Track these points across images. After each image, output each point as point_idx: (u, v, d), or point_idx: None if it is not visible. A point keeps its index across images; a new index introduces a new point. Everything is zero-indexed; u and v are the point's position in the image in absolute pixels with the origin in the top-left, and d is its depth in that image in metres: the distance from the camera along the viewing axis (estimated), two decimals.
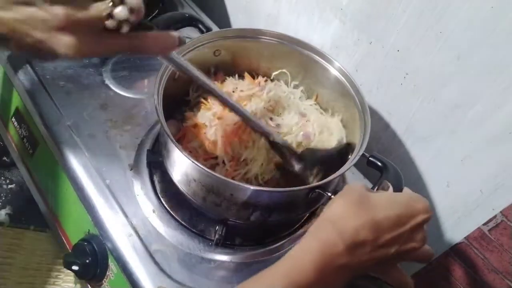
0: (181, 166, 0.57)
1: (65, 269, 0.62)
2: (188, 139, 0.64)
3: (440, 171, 0.73)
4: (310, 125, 0.67)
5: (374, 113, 0.79)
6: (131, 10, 0.35)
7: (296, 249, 0.39)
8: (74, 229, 0.70)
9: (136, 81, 0.81)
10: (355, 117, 0.64)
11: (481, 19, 0.57)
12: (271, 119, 0.67)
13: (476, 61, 0.60)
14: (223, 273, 0.60)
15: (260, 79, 0.72)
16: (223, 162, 0.61)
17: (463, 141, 0.67)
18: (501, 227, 0.66)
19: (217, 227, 0.61)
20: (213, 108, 0.65)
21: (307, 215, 0.68)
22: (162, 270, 0.57)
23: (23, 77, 0.76)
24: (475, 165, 0.66)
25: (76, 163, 0.66)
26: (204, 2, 1.08)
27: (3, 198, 0.99)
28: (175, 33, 0.41)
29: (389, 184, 0.53)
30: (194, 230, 0.63)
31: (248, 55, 0.72)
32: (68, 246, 0.72)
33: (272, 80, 0.74)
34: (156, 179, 0.68)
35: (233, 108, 0.54)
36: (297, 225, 0.67)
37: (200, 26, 0.72)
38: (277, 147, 0.59)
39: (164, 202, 0.65)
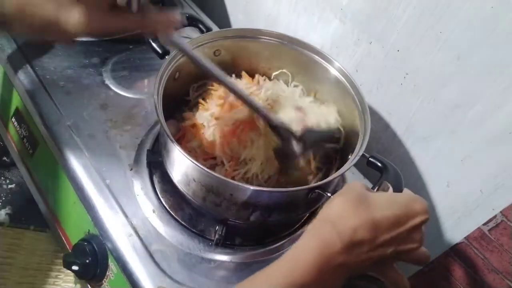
0: (180, 166, 0.57)
1: (65, 269, 0.62)
2: (187, 139, 0.64)
3: (440, 171, 0.73)
4: (307, 118, 0.66)
5: (374, 113, 0.79)
6: None
7: (294, 248, 0.39)
8: (74, 229, 0.70)
9: (136, 81, 0.81)
10: (355, 117, 0.64)
11: (481, 19, 0.57)
12: None
13: (476, 61, 0.60)
14: (223, 273, 0.60)
15: (259, 78, 0.72)
16: (222, 162, 0.61)
17: (463, 141, 0.67)
18: (501, 227, 0.66)
19: (217, 227, 0.61)
20: (211, 109, 0.65)
21: (307, 215, 0.68)
22: (162, 270, 0.57)
23: (23, 77, 0.76)
24: (475, 165, 0.66)
25: (76, 163, 0.66)
26: (204, 2, 1.08)
27: (3, 198, 0.99)
28: (176, 14, 0.45)
29: (389, 185, 0.53)
30: (194, 230, 0.63)
31: (248, 55, 0.72)
32: (68, 246, 0.72)
33: (271, 80, 0.74)
34: (156, 179, 0.68)
35: (230, 89, 0.55)
36: (297, 225, 0.67)
37: (200, 26, 0.72)
38: (277, 130, 0.59)
39: (164, 202, 0.65)
